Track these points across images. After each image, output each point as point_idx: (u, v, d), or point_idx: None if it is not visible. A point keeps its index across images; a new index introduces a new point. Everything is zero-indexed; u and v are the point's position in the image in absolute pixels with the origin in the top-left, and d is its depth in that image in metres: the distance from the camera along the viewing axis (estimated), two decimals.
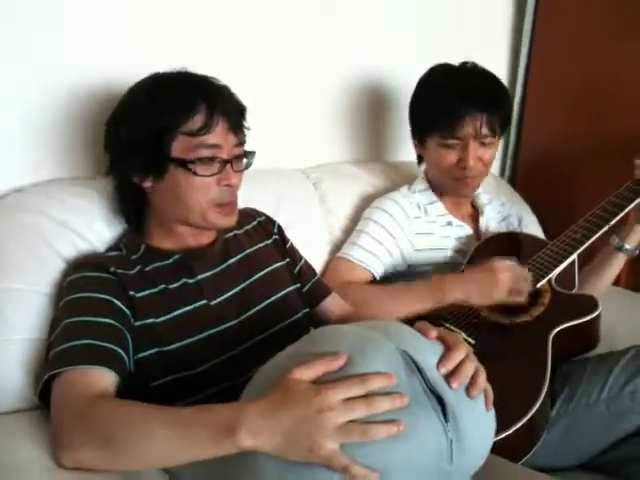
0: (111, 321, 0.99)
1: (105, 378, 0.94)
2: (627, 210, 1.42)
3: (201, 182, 1.06)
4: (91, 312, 0.99)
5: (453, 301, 1.34)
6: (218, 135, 1.06)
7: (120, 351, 0.98)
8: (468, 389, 0.85)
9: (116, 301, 1.02)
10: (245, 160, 1.14)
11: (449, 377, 0.83)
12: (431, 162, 1.56)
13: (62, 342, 0.97)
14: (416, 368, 0.82)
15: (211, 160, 1.06)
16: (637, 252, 1.51)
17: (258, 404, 0.78)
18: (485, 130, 1.45)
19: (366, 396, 0.76)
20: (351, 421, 0.74)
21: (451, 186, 1.55)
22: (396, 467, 0.76)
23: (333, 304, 1.32)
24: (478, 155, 1.47)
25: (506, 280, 1.31)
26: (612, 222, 1.41)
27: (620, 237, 1.50)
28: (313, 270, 1.34)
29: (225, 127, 1.07)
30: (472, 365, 0.86)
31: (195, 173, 1.05)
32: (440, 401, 0.80)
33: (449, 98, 1.46)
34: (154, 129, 1.04)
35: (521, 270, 1.35)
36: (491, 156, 1.51)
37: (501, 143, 2.15)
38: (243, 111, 1.13)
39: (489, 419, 0.89)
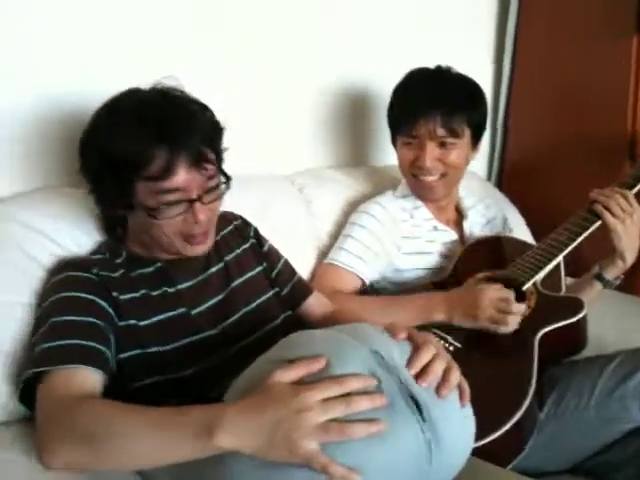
0: (95, 320, 0.99)
1: (91, 377, 0.94)
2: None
3: (165, 222, 1.02)
4: (76, 311, 0.99)
5: (439, 321, 1.33)
6: (181, 178, 1.00)
7: (105, 350, 0.98)
8: (438, 388, 0.84)
9: (100, 301, 1.02)
10: (223, 187, 1.07)
11: (417, 377, 0.83)
12: (398, 162, 1.57)
13: (48, 340, 0.97)
14: (390, 369, 0.82)
15: (177, 202, 1.01)
16: (617, 283, 1.49)
17: (237, 405, 0.78)
18: (441, 131, 1.44)
19: (345, 396, 0.76)
20: (331, 421, 0.74)
21: (413, 187, 1.55)
22: (374, 467, 0.76)
23: (315, 304, 1.30)
24: (436, 156, 1.46)
25: (489, 309, 1.28)
26: (597, 223, 1.41)
27: (601, 266, 1.48)
28: (293, 270, 1.33)
29: (189, 168, 1.00)
30: (442, 363, 0.86)
31: (158, 218, 1.01)
32: (415, 402, 0.80)
33: (408, 98, 1.49)
34: (115, 171, 1.00)
35: (508, 301, 1.29)
36: (457, 159, 1.48)
37: (487, 147, 2.18)
38: (210, 140, 1.05)
39: (467, 418, 0.89)
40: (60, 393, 0.90)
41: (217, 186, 1.06)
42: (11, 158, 1.26)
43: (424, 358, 0.85)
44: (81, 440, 0.85)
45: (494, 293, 1.30)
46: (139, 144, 0.98)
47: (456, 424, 0.85)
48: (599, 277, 1.48)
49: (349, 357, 0.81)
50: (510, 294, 1.31)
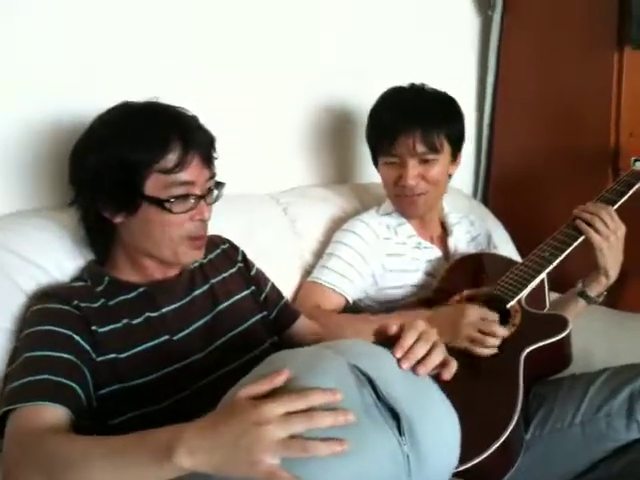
0: (69, 357, 0.98)
1: (55, 414, 0.91)
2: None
3: (175, 219, 1.05)
4: (50, 346, 0.98)
5: None
6: (192, 171, 1.05)
7: (75, 386, 0.96)
8: (415, 367, 0.85)
9: (76, 336, 1.00)
10: (215, 192, 1.13)
11: (399, 361, 0.84)
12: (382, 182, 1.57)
13: (19, 377, 0.95)
14: (368, 382, 0.81)
15: (186, 197, 1.05)
16: (600, 300, 1.48)
17: (197, 424, 0.76)
18: (421, 147, 1.45)
19: (308, 411, 0.73)
20: (293, 436, 0.72)
21: (397, 205, 1.55)
22: None
23: (303, 327, 1.30)
24: (418, 172, 1.47)
25: (469, 329, 1.27)
26: (579, 239, 1.41)
27: (584, 283, 1.47)
28: (280, 294, 1.32)
29: (199, 163, 1.06)
30: (425, 344, 0.87)
31: (170, 211, 1.04)
32: (395, 415, 0.79)
33: (385, 117, 1.50)
34: (126, 164, 1.02)
35: (490, 322, 1.28)
36: (437, 174, 1.48)
37: (472, 163, 2.19)
38: (213, 142, 1.11)
39: (451, 429, 0.88)
40: (24, 431, 0.89)
41: (213, 189, 1.12)
42: None
43: (409, 339, 0.86)
44: (45, 476, 0.82)
45: (477, 312, 1.29)
46: (156, 137, 1.03)
47: (438, 436, 0.84)
48: (582, 294, 1.47)
49: (322, 370, 0.80)
50: (493, 316, 1.30)
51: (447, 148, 1.49)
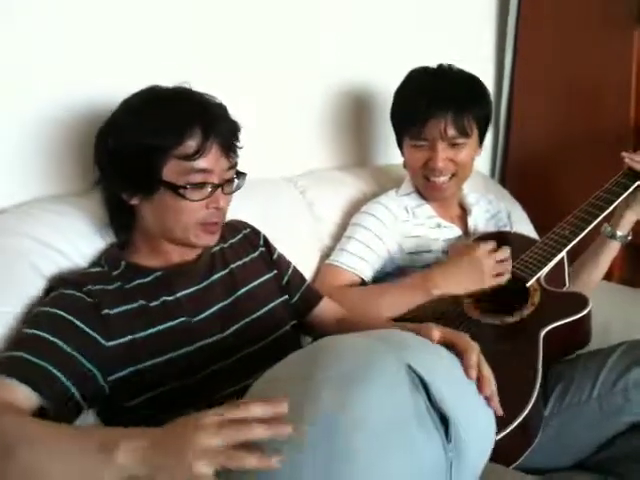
0: (61, 343, 0.95)
1: (23, 394, 0.89)
2: (614, 205, 1.42)
3: (189, 206, 1.05)
4: (42, 327, 0.96)
5: (441, 294, 1.34)
6: (210, 160, 1.05)
7: (56, 373, 0.93)
8: (481, 387, 0.87)
9: (83, 325, 0.98)
10: (236, 182, 1.13)
11: (479, 386, 0.87)
12: (406, 164, 1.56)
13: (6, 349, 0.96)
14: (421, 384, 0.80)
15: (202, 185, 1.05)
16: (629, 238, 1.51)
17: (149, 428, 0.73)
18: (452, 131, 1.44)
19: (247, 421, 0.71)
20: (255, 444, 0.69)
21: (423, 188, 1.55)
22: None
23: (326, 310, 1.30)
24: (448, 156, 1.46)
25: (492, 265, 1.34)
26: (600, 217, 1.40)
27: (611, 224, 1.50)
28: (302, 277, 1.33)
29: (218, 152, 1.06)
30: (486, 365, 0.90)
31: (185, 197, 1.04)
32: (444, 420, 0.79)
33: (416, 100, 1.47)
34: (145, 148, 1.03)
35: (501, 251, 1.36)
36: (466, 157, 1.48)
37: (490, 143, 2.17)
38: (237, 132, 1.11)
39: (489, 432, 0.89)
40: None
41: (233, 179, 1.11)
42: (11, 168, 1.26)
43: (474, 363, 0.89)
44: None
45: (484, 250, 1.35)
46: (177, 123, 1.03)
47: (479, 440, 0.85)
48: (613, 236, 1.51)
49: (377, 372, 0.78)
50: (490, 244, 1.37)
51: (475, 131, 1.49)
